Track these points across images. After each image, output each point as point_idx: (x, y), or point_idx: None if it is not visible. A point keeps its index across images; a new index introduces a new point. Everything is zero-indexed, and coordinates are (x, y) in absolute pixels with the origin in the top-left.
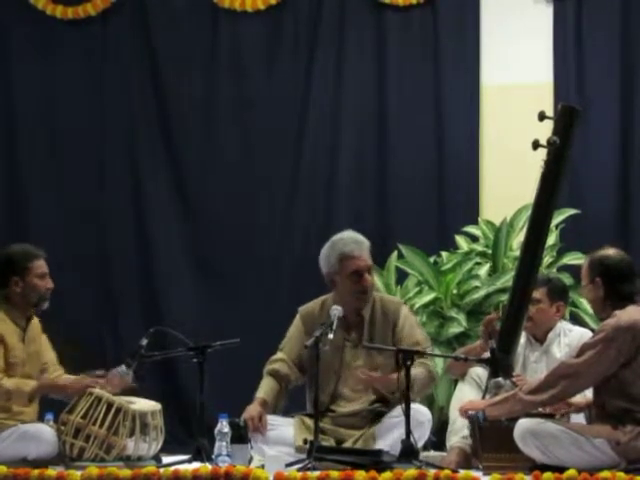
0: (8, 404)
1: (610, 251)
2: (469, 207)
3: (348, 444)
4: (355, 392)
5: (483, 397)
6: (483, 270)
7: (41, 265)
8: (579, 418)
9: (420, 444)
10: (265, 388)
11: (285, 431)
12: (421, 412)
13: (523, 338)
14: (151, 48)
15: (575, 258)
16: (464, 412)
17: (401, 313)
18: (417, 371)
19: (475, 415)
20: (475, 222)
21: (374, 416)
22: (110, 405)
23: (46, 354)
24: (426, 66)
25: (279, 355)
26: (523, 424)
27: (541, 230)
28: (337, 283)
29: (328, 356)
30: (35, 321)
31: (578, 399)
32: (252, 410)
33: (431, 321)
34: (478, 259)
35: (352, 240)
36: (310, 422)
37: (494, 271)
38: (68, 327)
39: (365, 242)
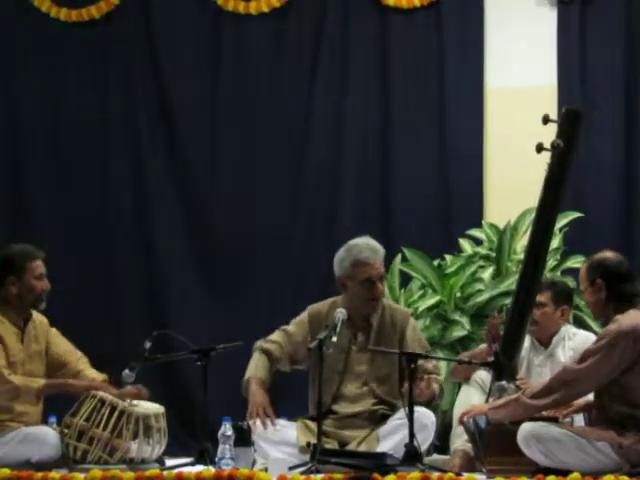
0: (14, 402)
1: (608, 253)
2: (473, 210)
3: (351, 446)
4: (357, 394)
5: (486, 401)
6: (487, 273)
7: (38, 266)
8: (579, 419)
9: (424, 447)
10: (261, 368)
11: (289, 432)
12: (425, 415)
13: (527, 342)
14: (155, 51)
15: (579, 261)
16: (461, 420)
17: (410, 324)
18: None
19: (472, 421)
20: (479, 225)
21: (377, 418)
22: (114, 408)
23: (60, 349)
24: (430, 68)
25: (276, 337)
26: (526, 427)
27: (545, 233)
28: (348, 287)
29: (332, 357)
30: (38, 320)
31: (578, 400)
32: (259, 397)
33: (435, 324)
34: (482, 262)
35: (368, 247)
36: (313, 425)
37: (498, 274)
38: (69, 329)
39: (380, 250)
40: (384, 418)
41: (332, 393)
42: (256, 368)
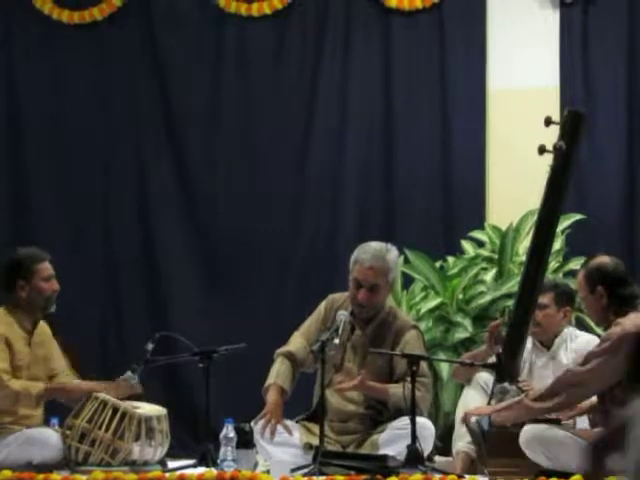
0: (15, 408)
1: (604, 258)
2: (475, 212)
3: (350, 448)
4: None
5: (489, 402)
6: (489, 275)
7: (46, 268)
8: (584, 421)
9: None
10: (282, 374)
11: (292, 433)
12: (425, 427)
13: (529, 343)
14: (157, 52)
15: (581, 263)
16: (464, 419)
17: (404, 337)
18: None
19: (476, 422)
20: (481, 227)
21: (367, 422)
22: (116, 410)
23: (56, 360)
24: (432, 70)
25: (296, 339)
26: (529, 430)
27: (547, 235)
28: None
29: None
30: (44, 326)
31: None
32: (272, 405)
33: (437, 326)
34: (484, 264)
35: (372, 251)
36: (312, 427)
37: (500, 276)
38: (71, 331)
39: (386, 260)
40: (375, 423)
41: (326, 383)
42: (277, 375)
